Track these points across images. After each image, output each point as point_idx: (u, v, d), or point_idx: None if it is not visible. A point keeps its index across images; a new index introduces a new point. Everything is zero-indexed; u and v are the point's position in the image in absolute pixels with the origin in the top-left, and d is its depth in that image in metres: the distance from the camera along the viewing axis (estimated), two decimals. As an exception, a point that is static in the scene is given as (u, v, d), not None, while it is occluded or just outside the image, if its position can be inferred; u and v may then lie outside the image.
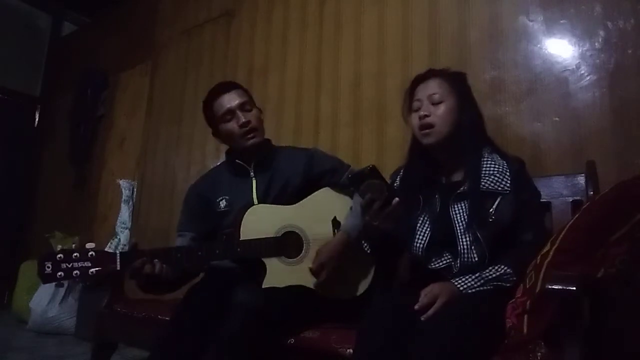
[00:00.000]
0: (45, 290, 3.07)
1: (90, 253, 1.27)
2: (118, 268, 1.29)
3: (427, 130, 1.27)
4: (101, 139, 3.81)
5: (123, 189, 3.28)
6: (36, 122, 4.50)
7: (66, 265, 1.24)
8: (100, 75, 3.89)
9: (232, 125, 1.55)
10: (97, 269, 1.26)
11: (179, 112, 3.12)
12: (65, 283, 3.06)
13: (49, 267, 1.22)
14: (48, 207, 4.17)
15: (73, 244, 3.21)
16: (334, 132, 2.29)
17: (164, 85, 3.31)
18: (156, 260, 1.32)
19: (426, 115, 1.27)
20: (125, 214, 3.24)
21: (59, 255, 1.24)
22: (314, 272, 1.40)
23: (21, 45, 4.39)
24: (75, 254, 1.25)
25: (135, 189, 3.29)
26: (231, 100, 1.56)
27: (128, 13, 3.90)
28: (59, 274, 1.23)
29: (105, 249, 2.99)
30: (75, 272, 1.24)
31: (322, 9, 2.47)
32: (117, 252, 1.32)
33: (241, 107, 1.56)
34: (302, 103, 2.45)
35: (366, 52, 2.25)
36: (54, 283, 3.01)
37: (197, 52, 3.12)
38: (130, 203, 3.27)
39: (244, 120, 1.54)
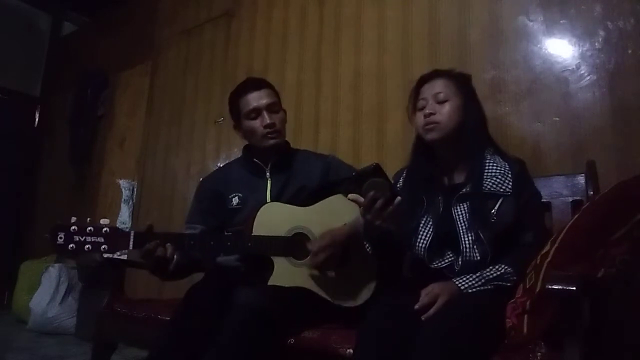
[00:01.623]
0: (45, 290, 3.07)
1: (104, 229, 1.25)
2: (131, 247, 1.27)
3: (430, 126, 1.28)
4: (101, 139, 3.81)
5: (123, 189, 3.28)
6: (36, 122, 4.50)
7: (79, 238, 1.21)
8: (100, 75, 3.89)
9: (256, 124, 1.53)
10: (109, 245, 1.24)
11: (179, 112, 3.12)
12: (66, 281, 3.07)
13: (61, 238, 1.20)
14: (48, 207, 4.16)
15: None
16: (334, 132, 2.29)
17: (164, 85, 3.31)
18: (168, 244, 1.31)
19: (432, 113, 1.28)
20: (125, 214, 3.24)
21: (73, 227, 1.22)
22: (312, 253, 1.37)
23: (21, 45, 4.38)
24: (89, 228, 1.23)
25: (135, 189, 3.29)
26: (260, 99, 1.54)
27: (128, 13, 3.90)
28: (71, 245, 1.21)
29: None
30: (87, 246, 1.22)
31: (321, 9, 2.47)
32: (132, 231, 1.30)
33: (268, 107, 1.54)
34: (302, 103, 2.45)
35: (366, 52, 2.25)
36: (55, 280, 3.07)
37: (197, 52, 3.12)
38: (130, 203, 3.27)
39: (269, 121, 1.52)
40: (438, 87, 1.31)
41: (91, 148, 3.85)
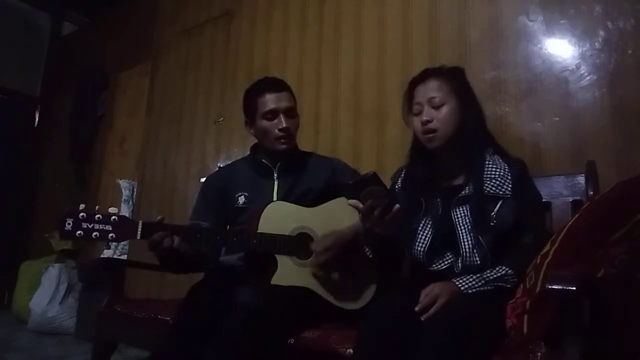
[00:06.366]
0: (45, 290, 3.07)
1: (113, 217, 1.26)
2: (138, 237, 1.28)
3: (430, 135, 1.26)
4: (101, 139, 3.81)
5: (123, 189, 3.28)
6: (36, 122, 4.50)
7: (87, 225, 1.23)
8: (100, 75, 3.89)
9: (271, 126, 1.52)
10: (117, 233, 1.25)
11: (179, 112, 3.12)
12: (66, 281, 3.07)
13: (69, 224, 1.21)
14: (48, 207, 4.16)
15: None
16: (334, 132, 2.29)
17: (164, 85, 3.31)
18: (176, 236, 1.31)
19: (428, 121, 1.25)
20: (125, 214, 3.24)
21: (81, 214, 1.23)
22: (315, 253, 1.38)
23: (21, 45, 4.38)
24: (97, 216, 1.24)
25: (135, 189, 3.29)
26: (280, 101, 1.53)
27: (128, 13, 3.90)
28: (79, 232, 1.22)
29: (105, 249, 3.00)
30: (95, 233, 1.24)
31: (322, 9, 2.47)
32: (140, 221, 1.30)
33: (286, 111, 1.53)
34: (302, 103, 2.44)
35: (366, 52, 2.25)
36: (55, 280, 3.06)
37: (197, 52, 3.12)
38: (130, 203, 3.27)
39: (284, 125, 1.51)
40: (432, 90, 1.27)
41: (91, 148, 3.86)
